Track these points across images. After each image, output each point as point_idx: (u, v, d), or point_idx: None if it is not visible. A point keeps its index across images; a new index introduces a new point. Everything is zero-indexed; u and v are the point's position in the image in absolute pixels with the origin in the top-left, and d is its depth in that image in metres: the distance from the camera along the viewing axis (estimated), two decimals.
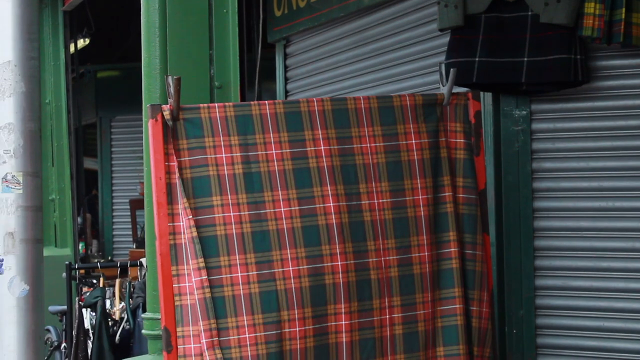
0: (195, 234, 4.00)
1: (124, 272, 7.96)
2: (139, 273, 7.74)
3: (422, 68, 5.82)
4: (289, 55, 7.40)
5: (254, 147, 4.11)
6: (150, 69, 5.04)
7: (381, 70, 6.23)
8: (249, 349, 3.96)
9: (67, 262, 8.01)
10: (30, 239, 4.86)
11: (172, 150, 4.06)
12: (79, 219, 11.30)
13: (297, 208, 4.08)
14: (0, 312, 4.82)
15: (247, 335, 3.97)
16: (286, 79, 7.39)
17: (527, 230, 5.08)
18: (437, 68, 4.73)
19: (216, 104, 4.16)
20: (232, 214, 4.04)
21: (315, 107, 4.20)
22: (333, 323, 4.06)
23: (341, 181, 4.16)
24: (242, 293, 3.99)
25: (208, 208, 4.03)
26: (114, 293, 7.70)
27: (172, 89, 4.05)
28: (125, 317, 7.44)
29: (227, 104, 4.16)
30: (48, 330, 8.82)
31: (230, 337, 3.97)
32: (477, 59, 4.96)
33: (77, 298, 7.73)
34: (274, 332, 3.99)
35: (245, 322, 3.97)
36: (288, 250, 4.05)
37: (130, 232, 12.37)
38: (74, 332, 7.60)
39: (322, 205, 4.11)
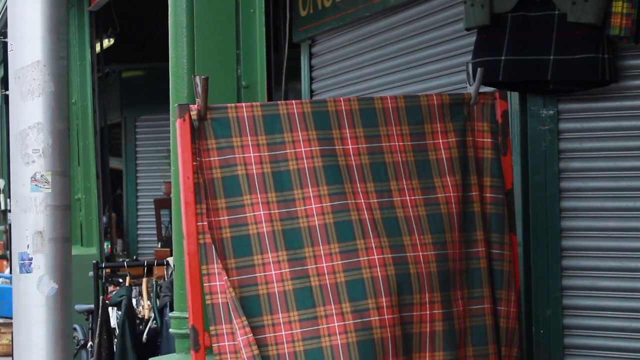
0: (228, 234, 4.00)
1: (149, 271, 7.99)
2: (165, 272, 7.76)
3: (448, 68, 5.80)
4: (314, 54, 7.39)
5: (282, 145, 4.10)
6: (177, 68, 5.06)
7: (407, 69, 6.22)
8: (285, 346, 3.96)
9: (94, 261, 8.05)
10: (59, 238, 4.88)
11: (200, 150, 4.07)
12: (104, 219, 11.34)
13: (328, 204, 4.06)
14: (29, 311, 4.86)
15: (283, 333, 3.96)
16: (311, 79, 7.39)
17: (554, 230, 5.05)
18: (463, 68, 4.71)
19: (243, 104, 4.17)
20: (262, 212, 4.04)
21: (343, 107, 4.20)
22: (376, 318, 3.98)
23: (371, 179, 4.14)
24: (276, 291, 3.98)
25: (240, 207, 4.04)
26: (140, 292, 7.73)
27: (199, 89, 4.05)
28: (153, 316, 7.46)
29: (254, 103, 4.17)
30: (74, 329, 8.84)
31: (267, 335, 3.97)
32: (503, 58, 4.95)
33: (102, 297, 7.76)
34: (310, 328, 3.97)
35: (281, 319, 3.97)
36: (321, 247, 4.03)
37: (155, 232, 12.42)
38: (97, 331, 7.63)
39: (354, 201, 4.09)
